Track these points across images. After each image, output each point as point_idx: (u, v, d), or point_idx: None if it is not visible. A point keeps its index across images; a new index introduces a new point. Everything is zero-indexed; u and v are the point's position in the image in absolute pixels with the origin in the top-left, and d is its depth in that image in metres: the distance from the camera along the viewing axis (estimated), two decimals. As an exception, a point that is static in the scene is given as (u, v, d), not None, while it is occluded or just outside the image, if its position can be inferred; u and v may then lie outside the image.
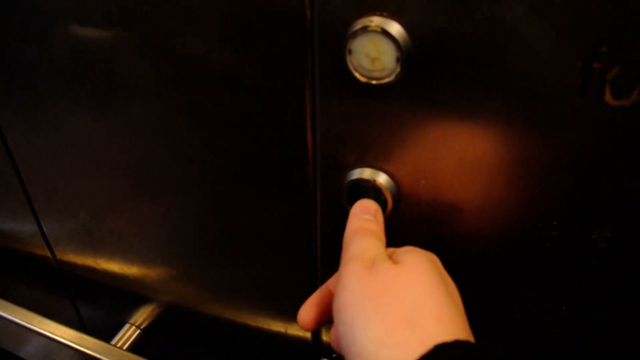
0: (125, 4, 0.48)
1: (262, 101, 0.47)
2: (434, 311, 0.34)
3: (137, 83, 0.53)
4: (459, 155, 0.42)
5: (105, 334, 0.79)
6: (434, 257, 0.39)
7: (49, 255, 0.80)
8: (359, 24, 0.38)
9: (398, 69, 0.38)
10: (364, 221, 0.43)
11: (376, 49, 0.38)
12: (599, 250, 0.42)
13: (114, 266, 0.75)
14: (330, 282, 0.45)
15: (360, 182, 0.46)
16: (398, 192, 0.46)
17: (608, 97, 0.35)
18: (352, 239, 0.41)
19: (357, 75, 0.40)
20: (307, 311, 0.43)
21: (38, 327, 0.73)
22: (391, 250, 0.41)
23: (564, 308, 0.47)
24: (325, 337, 0.64)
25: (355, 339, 0.33)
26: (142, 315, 0.80)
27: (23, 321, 0.74)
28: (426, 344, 0.31)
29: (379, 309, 0.34)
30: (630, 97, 0.35)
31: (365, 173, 0.46)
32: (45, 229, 0.77)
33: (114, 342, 0.79)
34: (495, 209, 0.44)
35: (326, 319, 0.43)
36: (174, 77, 0.50)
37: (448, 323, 0.33)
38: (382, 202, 0.46)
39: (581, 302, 0.46)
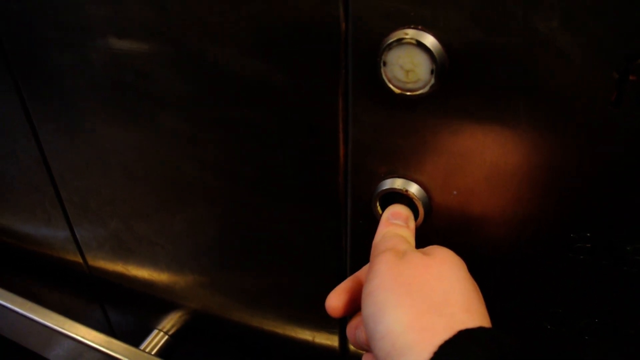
0: (160, 17, 0.49)
1: (294, 111, 0.48)
2: (461, 301, 0.35)
3: (169, 93, 0.54)
4: (492, 166, 0.42)
5: (134, 339, 0.80)
6: (460, 258, 0.40)
7: (81, 261, 0.82)
8: (394, 36, 0.38)
9: (432, 81, 0.39)
10: (395, 226, 0.44)
11: (411, 61, 0.39)
12: (633, 262, 0.42)
13: (143, 273, 0.76)
14: (360, 273, 0.46)
15: (392, 192, 0.46)
16: (429, 202, 0.46)
17: (644, 109, 0.35)
18: (382, 239, 0.42)
19: (391, 86, 0.40)
20: (337, 297, 0.43)
21: (68, 331, 0.74)
22: (420, 249, 0.42)
23: (596, 320, 0.47)
24: (352, 347, 0.64)
25: (383, 320, 0.34)
26: (170, 322, 0.81)
27: (53, 324, 0.75)
28: (452, 330, 0.32)
29: (409, 294, 0.35)
30: (667, 109, 0.35)
31: (397, 183, 0.46)
32: (77, 236, 0.78)
33: (142, 347, 0.80)
34: (528, 219, 0.44)
35: (354, 307, 0.44)
36: (206, 88, 0.51)
37: (474, 313, 0.34)
38: (413, 213, 0.46)
39: (614, 315, 0.46)
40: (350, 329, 0.43)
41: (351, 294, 0.44)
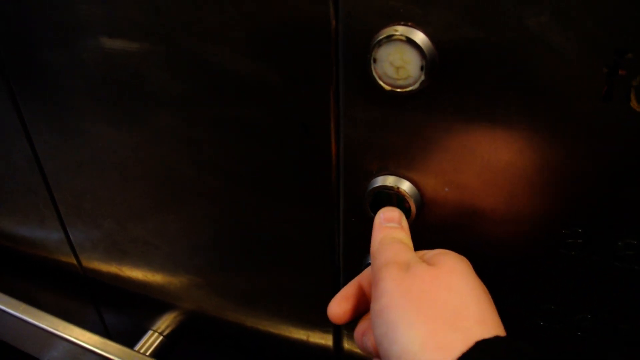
0: (153, 15, 0.49)
1: (286, 109, 0.48)
2: (475, 313, 0.34)
3: (163, 93, 0.54)
4: (483, 163, 0.42)
5: (129, 340, 0.79)
6: (466, 260, 0.40)
7: (75, 262, 0.82)
8: (384, 33, 0.38)
9: (422, 77, 0.39)
10: (390, 229, 0.43)
11: (401, 58, 0.39)
12: (624, 257, 0.42)
13: (138, 274, 0.76)
14: (361, 278, 0.45)
15: (384, 189, 0.46)
16: (421, 199, 0.46)
17: (634, 103, 0.35)
18: (380, 247, 0.41)
19: (381, 83, 0.40)
20: (338, 305, 0.43)
21: (63, 333, 0.74)
22: (422, 252, 0.41)
23: (589, 316, 0.47)
24: (346, 345, 0.64)
25: (397, 340, 0.33)
26: (165, 322, 0.80)
27: (48, 326, 0.75)
28: (469, 345, 0.31)
29: (421, 311, 0.34)
30: (657, 104, 0.35)
31: (389, 180, 0.46)
32: (71, 237, 0.78)
33: (137, 348, 0.80)
34: (519, 216, 0.44)
35: (356, 313, 0.43)
36: (199, 87, 0.51)
37: (489, 323, 0.34)
38: (405, 210, 0.46)
39: (606, 310, 0.46)
40: (358, 335, 0.43)
41: (352, 300, 0.43)
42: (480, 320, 0.34)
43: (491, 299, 0.37)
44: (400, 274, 0.37)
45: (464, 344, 0.32)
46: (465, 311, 0.34)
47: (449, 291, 0.35)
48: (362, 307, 0.44)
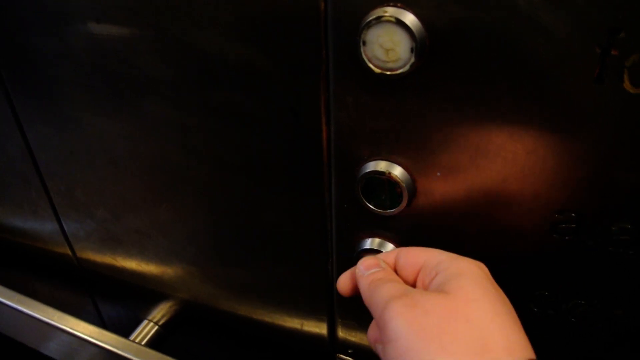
0: (142, 1, 0.48)
1: (276, 95, 0.48)
2: (501, 341, 0.33)
3: (154, 80, 0.53)
4: (475, 147, 0.42)
5: (124, 330, 0.79)
6: (482, 271, 0.38)
7: (69, 252, 0.82)
8: (373, 15, 0.38)
9: (412, 59, 0.38)
10: (373, 274, 0.41)
11: (390, 40, 0.38)
12: (618, 242, 0.42)
13: (132, 264, 0.76)
14: None
15: (375, 174, 0.46)
16: (413, 184, 0.46)
17: (627, 84, 0.35)
18: (373, 291, 0.39)
19: (371, 66, 0.40)
20: (347, 279, 0.45)
21: (58, 323, 0.74)
22: (433, 270, 0.39)
23: (582, 302, 0.46)
24: (341, 334, 0.64)
25: None
26: (160, 312, 0.80)
27: (44, 317, 0.75)
28: None
29: (444, 349, 0.32)
30: (650, 84, 0.34)
31: (380, 165, 0.46)
32: (65, 227, 0.78)
33: (132, 337, 0.80)
34: (512, 200, 0.43)
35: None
36: (189, 73, 0.51)
37: (517, 349, 0.32)
38: (397, 195, 0.46)
39: (601, 296, 0.45)
40: (370, 340, 0.42)
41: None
42: (507, 347, 0.32)
43: (516, 318, 0.35)
44: (408, 310, 0.35)
45: None
46: (490, 342, 0.32)
47: (468, 322, 0.33)
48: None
